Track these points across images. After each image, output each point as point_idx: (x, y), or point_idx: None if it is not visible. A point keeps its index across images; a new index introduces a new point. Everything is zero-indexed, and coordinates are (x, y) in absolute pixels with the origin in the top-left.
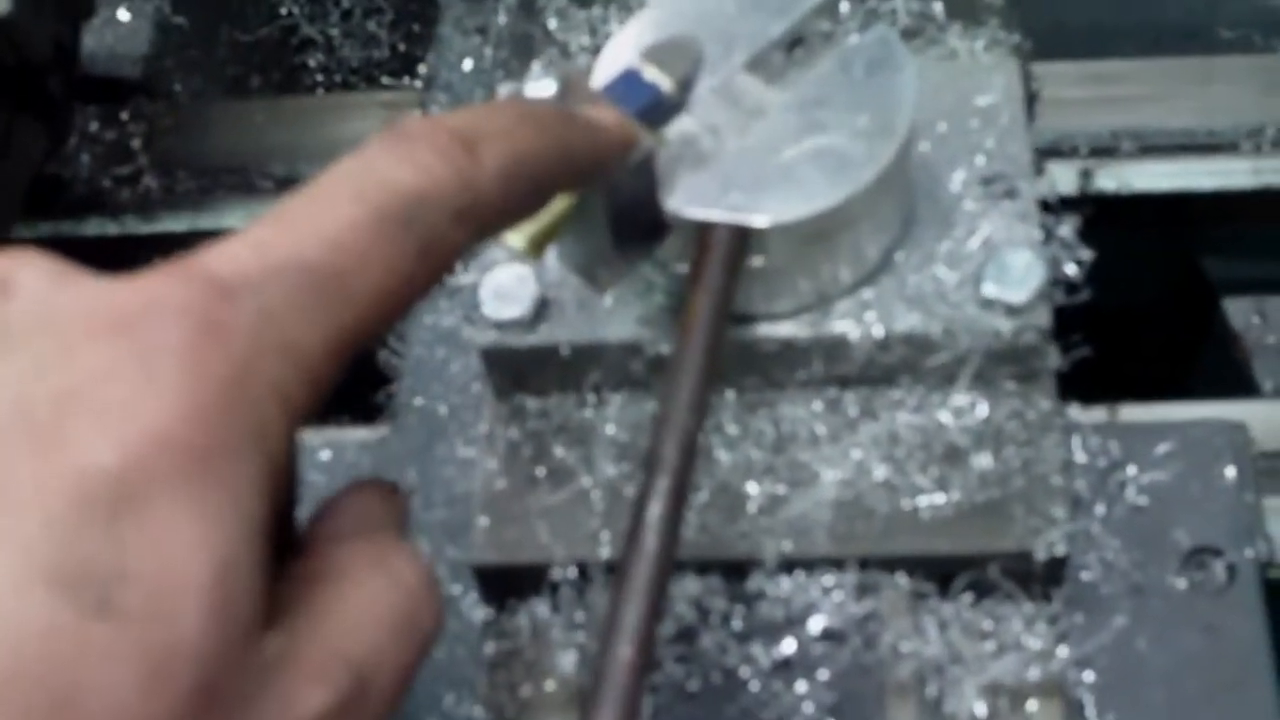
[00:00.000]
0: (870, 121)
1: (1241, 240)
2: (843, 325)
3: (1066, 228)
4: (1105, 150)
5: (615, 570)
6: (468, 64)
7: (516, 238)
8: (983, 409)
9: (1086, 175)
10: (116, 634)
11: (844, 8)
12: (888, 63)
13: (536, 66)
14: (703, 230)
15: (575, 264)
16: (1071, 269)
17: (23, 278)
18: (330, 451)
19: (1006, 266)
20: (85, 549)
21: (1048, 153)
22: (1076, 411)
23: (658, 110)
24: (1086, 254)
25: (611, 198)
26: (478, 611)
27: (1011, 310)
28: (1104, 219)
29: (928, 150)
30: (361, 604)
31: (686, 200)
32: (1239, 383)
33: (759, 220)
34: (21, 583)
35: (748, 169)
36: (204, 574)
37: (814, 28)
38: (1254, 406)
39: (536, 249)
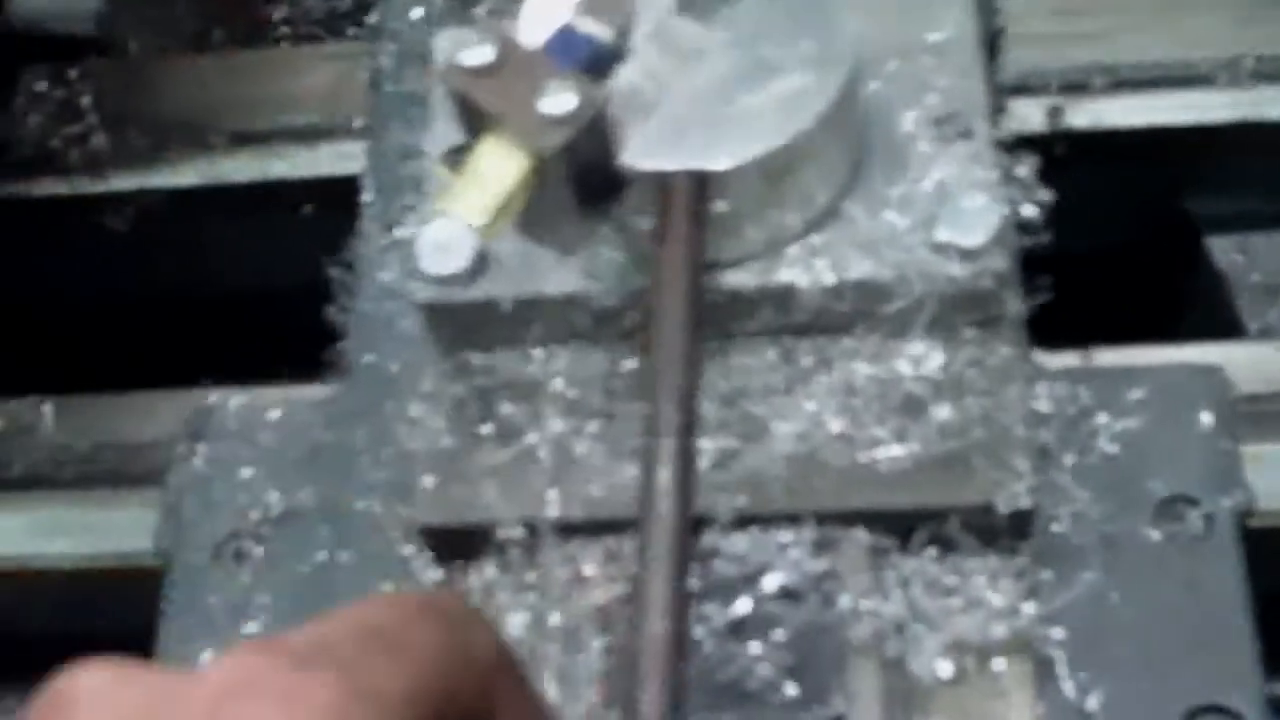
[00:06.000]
0: (813, 51)
1: (1223, 176)
2: (791, 273)
3: (1025, 168)
4: (1076, 86)
5: (637, 542)
6: (416, 13)
7: (476, 215)
8: (941, 357)
9: (1056, 112)
10: None
11: None
12: (827, 20)
13: (481, 11)
14: (662, 181)
15: (540, 231)
16: (1030, 211)
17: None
18: (280, 411)
19: (961, 210)
20: None
21: (1016, 89)
22: (1046, 357)
23: (599, 62)
24: (1046, 195)
25: (571, 159)
26: (430, 573)
27: (966, 254)
28: (1076, 157)
29: (879, 89)
30: None
31: (641, 152)
32: (1224, 323)
33: (719, 164)
34: None
35: (698, 113)
36: None
37: None
38: (1235, 348)
39: (493, 227)
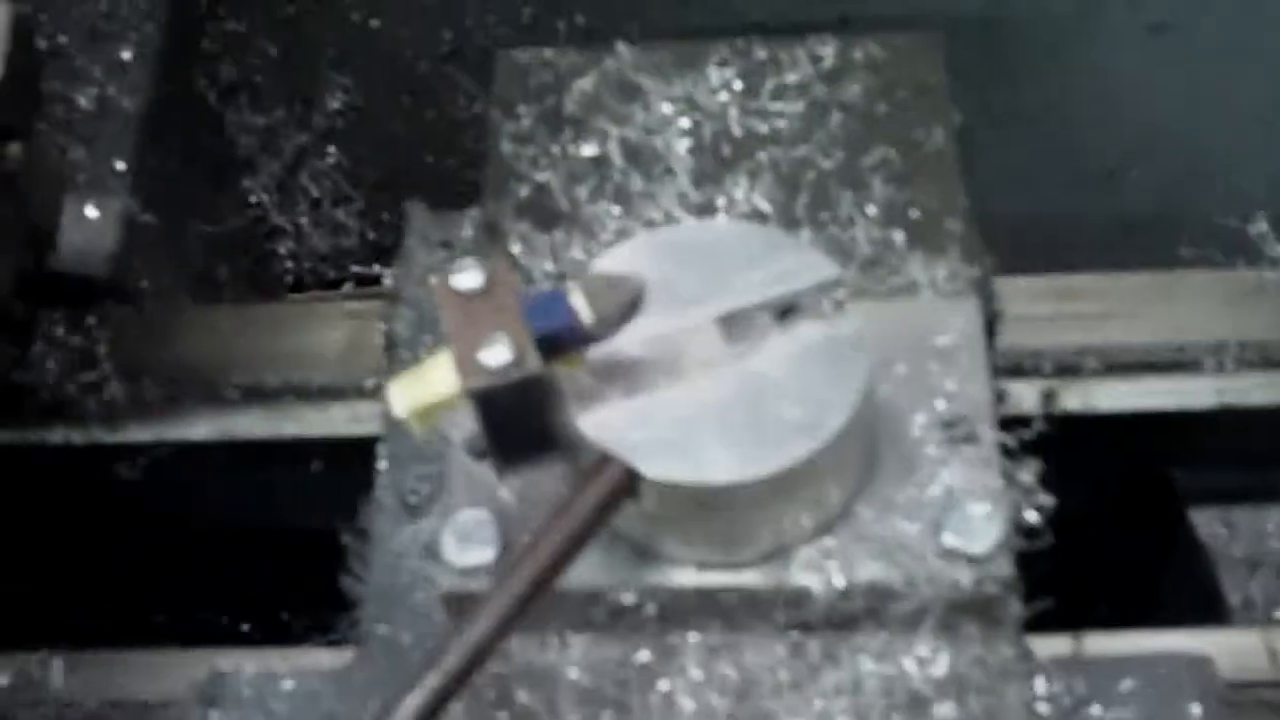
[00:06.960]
0: (802, 415)
1: (1207, 454)
2: (804, 576)
3: (1027, 473)
4: (1069, 368)
5: None
6: (433, 279)
7: (400, 408)
8: (946, 657)
9: (1050, 395)
10: None
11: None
12: (845, 362)
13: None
14: (598, 460)
15: (473, 450)
16: (1033, 515)
17: None
18: (294, 681)
19: (968, 517)
20: None
21: (1011, 370)
22: (1040, 643)
23: (569, 337)
24: (1048, 500)
25: (484, 408)
26: None
27: (972, 561)
28: (1068, 436)
29: (888, 393)
30: None
31: (596, 427)
32: (1206, 595)
33: (649, 470)
34: None
35: (670, 417)
36: None
37: (809, 303)
38: (1219, 635)
39: (420, 421)
